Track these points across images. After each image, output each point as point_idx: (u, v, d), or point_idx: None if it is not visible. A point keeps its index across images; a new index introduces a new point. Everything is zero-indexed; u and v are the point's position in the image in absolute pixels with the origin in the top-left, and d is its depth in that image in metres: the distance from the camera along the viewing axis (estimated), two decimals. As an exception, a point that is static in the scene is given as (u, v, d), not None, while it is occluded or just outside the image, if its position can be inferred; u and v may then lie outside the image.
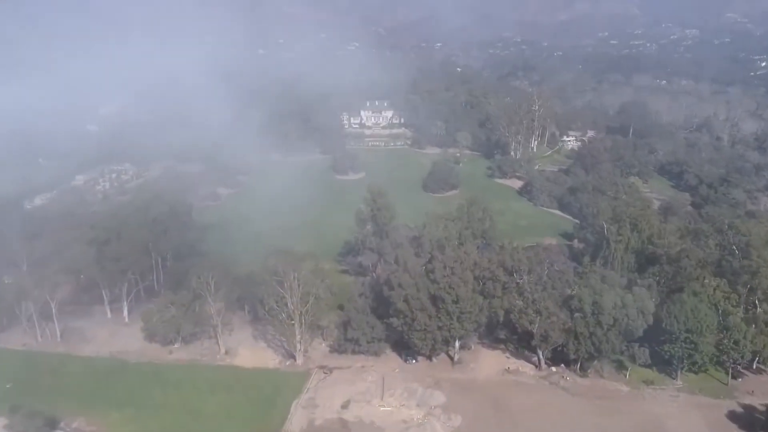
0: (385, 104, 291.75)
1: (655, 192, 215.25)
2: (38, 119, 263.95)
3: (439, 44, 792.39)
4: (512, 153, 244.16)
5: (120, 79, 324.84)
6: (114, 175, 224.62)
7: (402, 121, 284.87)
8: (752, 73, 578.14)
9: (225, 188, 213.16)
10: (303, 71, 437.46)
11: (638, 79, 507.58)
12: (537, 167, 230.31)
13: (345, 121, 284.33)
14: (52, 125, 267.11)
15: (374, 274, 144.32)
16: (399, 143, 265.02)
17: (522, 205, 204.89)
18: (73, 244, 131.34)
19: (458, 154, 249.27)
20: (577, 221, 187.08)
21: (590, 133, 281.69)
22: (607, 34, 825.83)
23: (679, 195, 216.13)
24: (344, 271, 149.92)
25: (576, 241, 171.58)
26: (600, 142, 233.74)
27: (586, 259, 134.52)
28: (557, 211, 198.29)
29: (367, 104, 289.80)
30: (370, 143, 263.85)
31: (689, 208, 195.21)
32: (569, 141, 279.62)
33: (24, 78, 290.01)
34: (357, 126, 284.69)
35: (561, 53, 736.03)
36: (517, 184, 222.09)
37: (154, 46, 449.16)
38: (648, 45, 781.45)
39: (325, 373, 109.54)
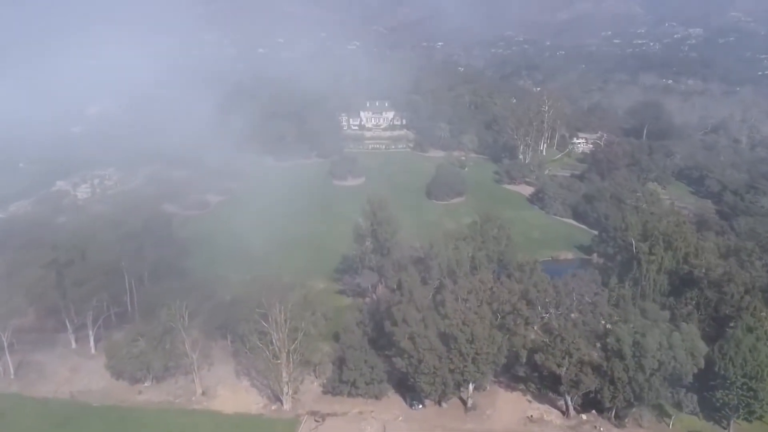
0: (386, 105, 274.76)
1: (676, 199, 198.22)
2: (19, 120, 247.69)
3: (440, 43, 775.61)
4: (521, 156, 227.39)
5: (108, 78, 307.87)
6: (97, 181, 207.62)
7: (403, 122, 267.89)
8: (760, 73, 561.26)
9: (214, 195, 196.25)
10: (301, 71, 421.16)
11: (644, 79, 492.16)
12: (548, 172, 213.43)
13: (344, 123, 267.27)
14: (35, 127, 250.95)
15: (374, 295, 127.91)
16: (400, 146, 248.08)
17: (533, 214, 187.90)
18: (33, 263, 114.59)
19: (463, 158, 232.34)
20: (594, 232, 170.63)
21: (601, 135, 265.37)
22: (610, 33, 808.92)
23: (700, 202, 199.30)
24: (341, 292, 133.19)
25: (595, 255, 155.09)
26: (618, 145, 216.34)
27: (613, 280, 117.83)
28: (572, 221, 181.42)
29: (367, 104, 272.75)
30: (370, 146, 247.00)
31: (715, 217, 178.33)
32: (579, 143, 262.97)
33: (5, 77, 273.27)
34: (356, 127, 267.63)
35: (563, 52, 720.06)
36: (527, 190, 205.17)
37: (146, 44, 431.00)
38: (651, 44, 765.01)
39: (316, 420, 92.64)
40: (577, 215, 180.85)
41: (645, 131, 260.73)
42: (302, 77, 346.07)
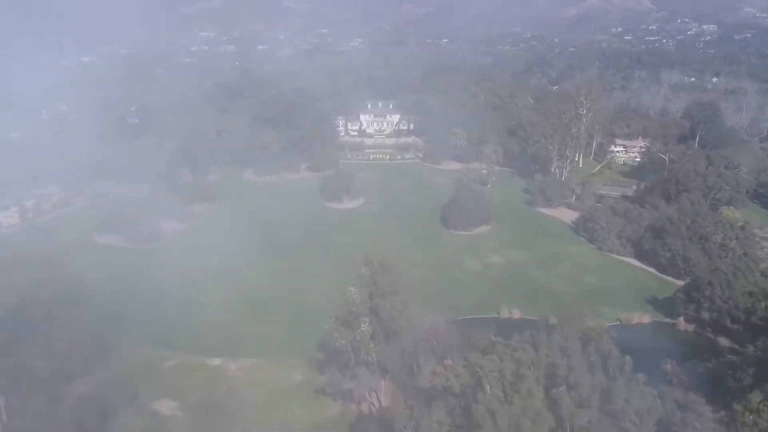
0: (391, 106, 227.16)
1: (756, 227, 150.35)
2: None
3: (445, 41, 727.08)
4: (554, 170, 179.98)
5: (72, 77, 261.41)
6: (33, 202, 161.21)
7: (411, 127, 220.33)
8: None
9: (173, 222, 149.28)
10: (297, 68, 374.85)
11: (667, 77, 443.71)
12: (599, 190, 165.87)
13: (340, 128, 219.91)
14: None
15: (376, 403, 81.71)
16: (408, 156, 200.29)
17: (582, 249, 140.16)
18: None
19: (484, 171, 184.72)
20: (669, 279, 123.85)
21: (645, 142, 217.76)
22: (620, 29, 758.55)
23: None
24: (321, 392, 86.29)
25: (682, 320, 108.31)
26: (690, 161, 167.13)
27: (756, 395, 70.92)
28: (635, 262, 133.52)
29: (368, 106, 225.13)
30: (371, 156, 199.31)
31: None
32: (618, 152, 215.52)
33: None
34: (355, 133, 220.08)
35: (574, 49, 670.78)
36: (568, 215, 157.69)
37: (126, 39, 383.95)
38: (664, 41, 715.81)
39: None
40: (641, 253, 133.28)
41: (698, 138, 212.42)
42: (297, 76, 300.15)
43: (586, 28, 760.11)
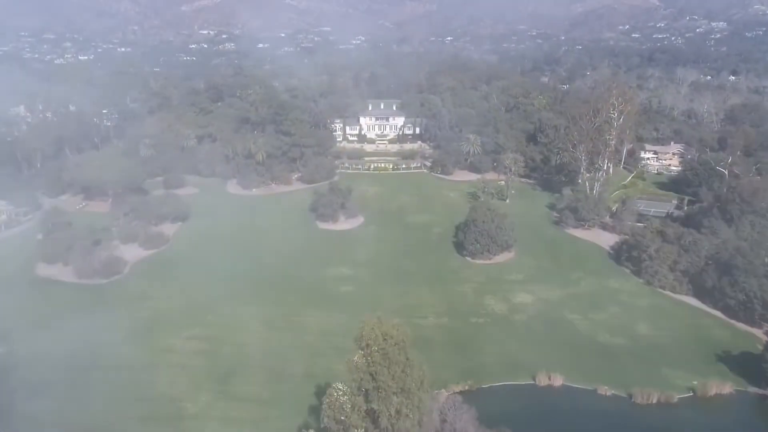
0: (394, 107, 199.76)
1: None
2: None
3: (449, 38, 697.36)
4: (584, 182, 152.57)
5: (52, 70, 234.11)
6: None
7: (417, 131, 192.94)
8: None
9: (135, 248, 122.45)
10: (295, 67, 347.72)
11: (683, 75, 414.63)
12: (639, 207, 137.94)
13: (338, 132, 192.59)
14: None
15: None
16: (414, 165, 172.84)
17: (627, 285, 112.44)
18: None
19: (501, 183, 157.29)
20: (752, 330, 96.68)
21: (676, 148, 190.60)
22: (627, 27, 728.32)
23: None
24: None
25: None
26: (758, 177, 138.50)
27: None
28: (693, 301, 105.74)
29: (369, 107, 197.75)
30: (372, 165, 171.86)
31: None
32: (648, 159, 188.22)
33: None
34: (355, 138, 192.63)
35: (581, 47, 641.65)
36: (605, 238, 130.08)
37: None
38: (673, 39, 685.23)
39: None
40: (702, 292, 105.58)
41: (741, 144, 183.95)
42: (294, 74, 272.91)
43: (593, 26, 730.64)
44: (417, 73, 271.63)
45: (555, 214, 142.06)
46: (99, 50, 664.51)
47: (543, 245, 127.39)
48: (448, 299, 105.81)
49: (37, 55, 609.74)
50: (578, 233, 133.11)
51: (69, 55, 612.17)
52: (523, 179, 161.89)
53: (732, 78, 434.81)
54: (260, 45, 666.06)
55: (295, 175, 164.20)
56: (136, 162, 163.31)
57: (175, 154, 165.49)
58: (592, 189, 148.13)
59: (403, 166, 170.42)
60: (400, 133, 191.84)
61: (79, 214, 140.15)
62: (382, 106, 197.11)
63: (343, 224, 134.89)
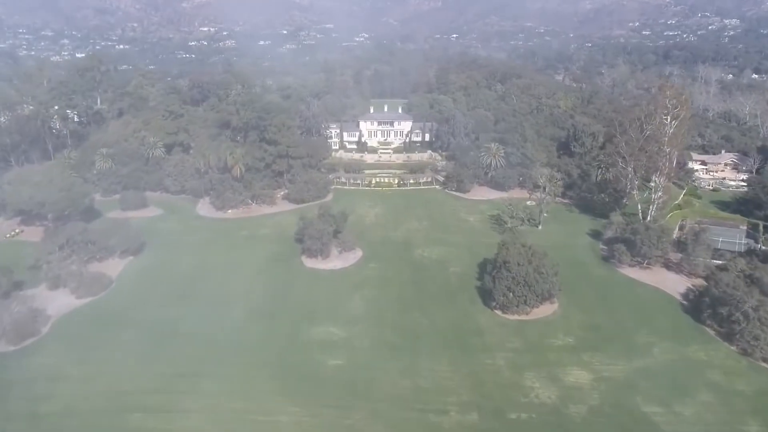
0: (400, 109, 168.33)
1: None
2: None
3: (455, 36, 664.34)
4: (627, 201, 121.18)
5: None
6: None
7: (427, 138, 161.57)
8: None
9: (67, 295, 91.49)
10: (293, 65, 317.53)
11: (705, 73, 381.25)
12: (719, 241, 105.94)
13: (334, 138, 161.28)
14: None
15: None
16: (424, 180, 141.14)
17: (716, 355, 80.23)
18: None
19: (531, 203, 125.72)
20: None
21: (728, 156, 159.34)
22: (637, 24, 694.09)
23: None
24: None
25: None
26: None
27: None
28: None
29: (371, 110, 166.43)
30: (373, 180, 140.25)
31: None
32: (696, 170, 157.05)
33: None
34: (353, 146, 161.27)
35: (591, 44, 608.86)
36: (671, 282, 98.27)
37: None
38: (685, 36, 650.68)
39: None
40: (829, 371, 74.80)
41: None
42: (291, 72, 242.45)
43: (602, 23, 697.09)
44: (424, 70, 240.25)
45: (602, 246, 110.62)
46: (97, 47, 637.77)
47: (593, 292, 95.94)
48: (475, 379, 74.79)
49: (33, 52, 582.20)
50: (635, 274, 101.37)
51: (66, 53, 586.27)
52: (556, 197, 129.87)
53: (755, 76, 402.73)
54: (261, 42, 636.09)
55: (281, 192, 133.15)
56: (91, 176, 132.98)
57: (137, 167, 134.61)
58: (645, 213, 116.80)
59: (411, 181, 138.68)
60: (407, 140, 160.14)
61: (7, 244, 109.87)
62: (386, 108, 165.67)
63: (336, 261, 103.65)
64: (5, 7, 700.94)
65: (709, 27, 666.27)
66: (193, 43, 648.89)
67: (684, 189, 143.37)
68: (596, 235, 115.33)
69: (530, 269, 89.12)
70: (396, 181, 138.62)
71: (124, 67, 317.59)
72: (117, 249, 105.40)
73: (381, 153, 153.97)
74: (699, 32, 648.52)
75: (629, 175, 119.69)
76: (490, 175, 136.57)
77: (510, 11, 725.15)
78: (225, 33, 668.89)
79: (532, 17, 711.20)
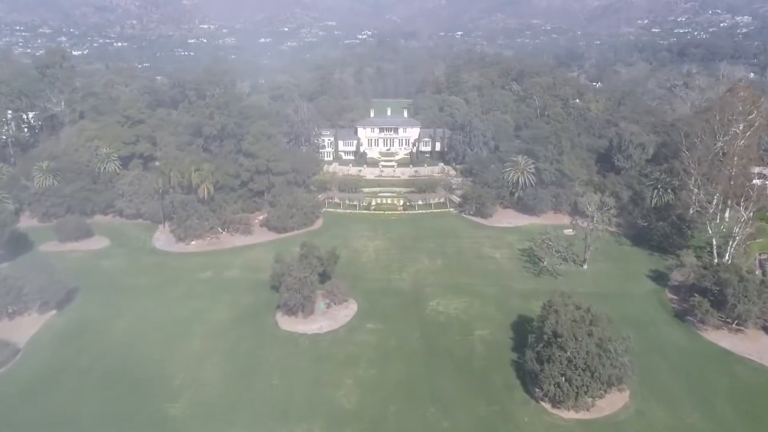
0: (405, 113, 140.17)
1: None
2: None
3: (459, 33, 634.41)
4: (694, 232, 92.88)
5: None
6: None
7: (438, 148, 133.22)
8: None
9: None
10: (292, 63, 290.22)
11: (728, 71, 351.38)
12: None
13: (328, 148, 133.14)
14: None
15: None
16: (436, 201, 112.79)
17: None
18: None
19: (571, 233, 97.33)
20: None
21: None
22: (646, 21, 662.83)
23: None
24: None
25: None
26: None
27: None
28: None
29: (371, 114, 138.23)
30: (374, 201, 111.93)
31: None
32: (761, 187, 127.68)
33: None
34: (350, 158, 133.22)
35: (599, 42, 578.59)
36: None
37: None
38: (696, 33, 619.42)
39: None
40: None
41: None
42: (284, 71, 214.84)
43: (610, 20, 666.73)
44: (430, 68, 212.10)
45: (671, 295, 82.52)
46: (95, 45, 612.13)
47: (674, 372, 67.74)
48: None
49: (29, 50, 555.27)
50: (727, 341, 72.89)
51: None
52: (599, 223, 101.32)
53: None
54: (262, 40, 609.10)
55: (260, 217, 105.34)
56: (27, 196, 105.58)
57: (85, 185, 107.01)
58: (721, 250, 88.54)
59: (420, 202, 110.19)
60: (414, 150, 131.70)
61: None
62: (389, 112, 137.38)
63: (322, 319, 75.66)
64: (4, 5, 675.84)
65: (721, 24, 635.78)
66: (192, 40, 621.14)
67: (749, 210, 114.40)
68: (659, 277, 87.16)
69: (591, 345, 61.18)
70: (401, 203, 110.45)
71: (119, 64, 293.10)
72: (37, 300, 77.89)
73: (383, 166, 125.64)
74: (710, 29, 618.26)
75: (701, 198, 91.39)
76: (517, 195, 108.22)
77: (515, 8, 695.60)
78: (225, 30, 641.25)
79: (538, 14, 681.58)
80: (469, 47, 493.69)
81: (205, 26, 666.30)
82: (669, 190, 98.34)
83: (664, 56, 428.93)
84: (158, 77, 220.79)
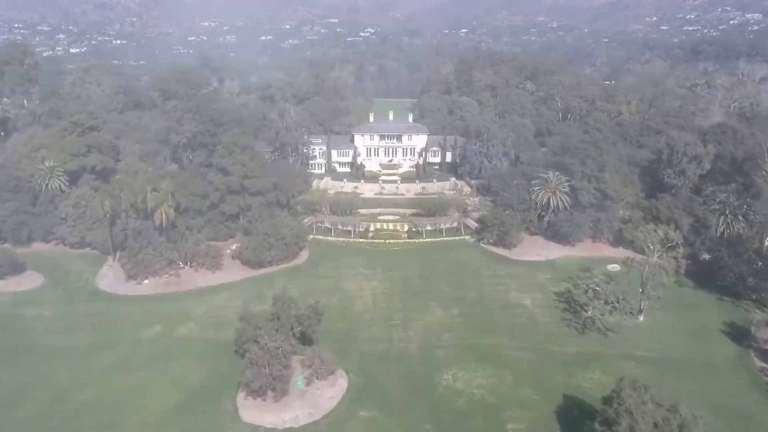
0: (410, 117, 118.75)
1: None
2: None
3: (464, 30, 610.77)
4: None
5: None
6: None
7: (449, 159, 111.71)
8: None
9: None
10: (290, 61, 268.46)
11: (748, 70, 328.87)
12: None
13: (319, 160, 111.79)
14: None
15: None
16: (448, 226, 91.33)
17: None
18: None
19: (617, 269, 76.07)
20: None
21: None
22: (655, 18, 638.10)
23: None
24: None
25: None
26: None
27: None
28: None
29: (371, 118, 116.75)
30: (372, 227, 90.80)
31: None
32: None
33: None
34: (346, 170, 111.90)
35: (607, 40, 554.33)
36: None
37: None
38: (706, 31, 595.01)
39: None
40: None
41: None
42: (283, 69, 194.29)
43: (616, 18, 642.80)
44: (435, 66, 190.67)
45: (760, 362, 61.28)
46: (93, 42, 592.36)
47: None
48: None
49: (31, 45, 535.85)
50: None
51: (60, 48, 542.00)
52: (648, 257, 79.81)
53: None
54: (263, 37, 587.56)
55: (233, 246, 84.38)
56: None
57: (21, 206, 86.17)
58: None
59: (428, 228, 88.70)
60: (421, 161, 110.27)
61: None
62: (390, 116, 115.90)
63: (298, 405, 54.67)
64: (2, 3, 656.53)
65: (731, 21, 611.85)
66: (192, 38, 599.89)
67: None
68: (739, 335, 65.79)
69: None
70: (405, 229, 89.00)
71: (116, 62, 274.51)
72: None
73: (384, 181, 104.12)
74: (721, 27, 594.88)
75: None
76: (547, 219, 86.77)
77: (520, 6, 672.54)
78: (226, 28, 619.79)
79: (544, 12, 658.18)
80: (474, 45, 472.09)
81: (206, 24, 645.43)
82: (740, 217, 76.93)
83: (677, 54, 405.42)
84: (145, 77, 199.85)
